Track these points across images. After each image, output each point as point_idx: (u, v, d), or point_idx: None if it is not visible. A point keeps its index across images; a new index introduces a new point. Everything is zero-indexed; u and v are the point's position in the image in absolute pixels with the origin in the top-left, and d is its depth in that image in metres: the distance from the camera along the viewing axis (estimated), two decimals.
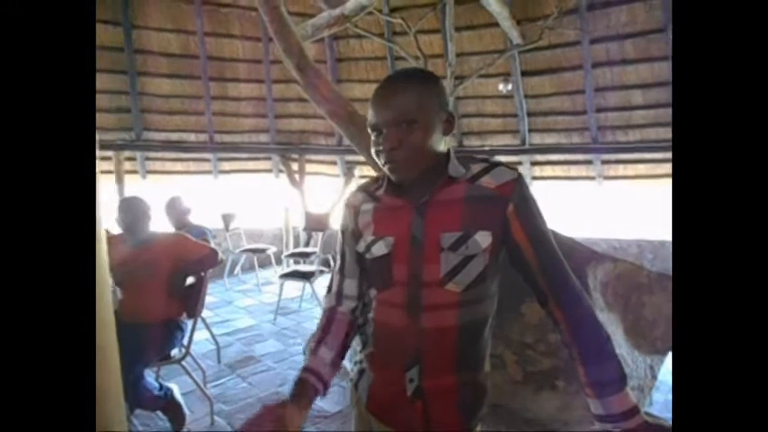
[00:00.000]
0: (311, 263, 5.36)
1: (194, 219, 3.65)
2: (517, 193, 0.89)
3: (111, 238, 2.31)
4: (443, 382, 0.92)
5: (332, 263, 5.15)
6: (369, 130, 0.92)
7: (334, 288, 1.05)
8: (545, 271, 0.90)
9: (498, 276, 0.95)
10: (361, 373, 1.02)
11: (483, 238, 0.88)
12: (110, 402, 1.05)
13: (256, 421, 0.86)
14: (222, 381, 3.02)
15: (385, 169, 0.92)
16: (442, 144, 0.92)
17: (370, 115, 0.91)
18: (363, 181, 1.06)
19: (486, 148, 6.76)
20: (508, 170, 0.91)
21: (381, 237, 0.94)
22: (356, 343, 1.06)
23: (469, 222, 0.88)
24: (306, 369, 0.97)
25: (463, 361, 0.92)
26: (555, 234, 2.09)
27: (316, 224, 5.77)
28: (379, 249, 0.94)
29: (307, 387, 0.94)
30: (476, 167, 0.92)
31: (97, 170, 1.25)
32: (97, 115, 1.12)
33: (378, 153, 0.91)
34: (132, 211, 2.36)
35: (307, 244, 6.70)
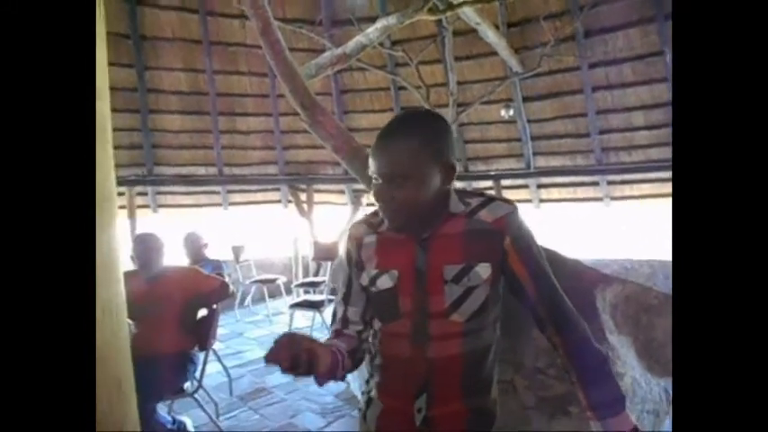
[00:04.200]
0: (321, 292, 5.37)
1: (209, 252, 3.72)
2: (513, 225, 0.93)
3: (126, 275, 2.36)
4: (451, 410, 0.94)
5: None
6: (370, 174, 0.93)
7: (339, 315, 1.06)
8: (542, 299, 0.94)
9: (499, 304, 0.98)
10: (368, 402, 1.04)
11: (483, 270, 0.91)
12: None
13: (287, 341, 0.80)
14: (234, 413, 3.01)
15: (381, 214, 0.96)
16: (443, 189, 0.92)
17: (370, 163, 0.92)
18: (366, 213, 1.08)
19: (492, 173, 6.83)
20: (504, 204, 0.95)
21: (386, 270, 0.96)
22: (365, 373, 1.08)
23: (470, 255, 0.91)
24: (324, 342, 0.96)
25: (469, 388, 0.94)
26: (562, 257, 2.11)
27: (325, 253, 5.80)
28: (384, 283, 0.96)
29: (327, 346, 0.91)
30: (473, 202, 0.96)
31: (116, 208, 1.32)
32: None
33: (375, 199, 0.93)
34: (146, 247, 2.42)
35: (316, 273, 6.71)
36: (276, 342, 0.79)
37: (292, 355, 0.78)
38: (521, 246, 0.93)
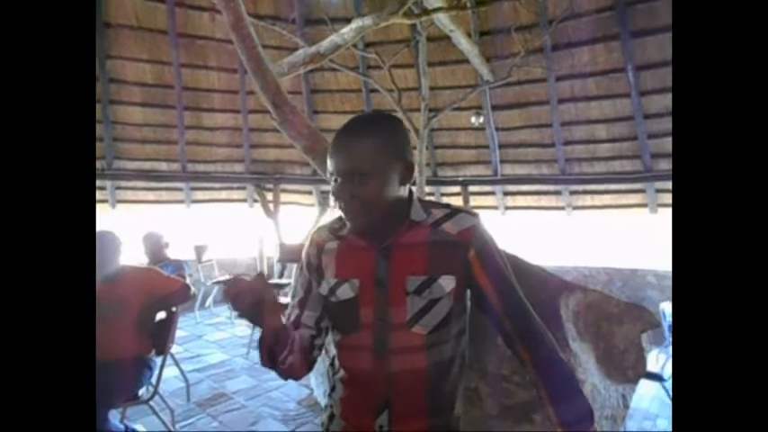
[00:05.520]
0: (285, 294, 5.28)
1: (170, 252, 3.58)
2: (477, 238, 0.92)
3: None
4: (413, 428, 0.91)
5: None
6: (328, 176, 0.92)
7: (293, 318, 1.02)
8: (508, 313, 0.93)
9: (464, 317, 0.97)
10: (331, 418, 1.01)
11: (447, 282, 0.90)
12: None
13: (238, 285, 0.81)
14: (191, 420, 2.90)
15: (342, 215, 0.94)
16: (402, 190, 0.93)
17: (328, 163, 0.91)
18: (330, 220, 1.06)
19: (461, 179, 6.92)
20: (468, 216, 0.94)
21: (346, 279, 0.94)
22: (326, 386, 1.05)
23: (433, 267, 0.90)
24: None
25: (432, 404, 0.92)
26: (526, 264, 2.14)
27: (290, 255, 5.71)
28: (345, 293, 0.94)
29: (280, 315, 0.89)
30: (437, 213, 0.95)
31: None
32: None
33: (335, 199, 0.92)
34: (103, 246, 2.29)
35: (281, 275, 6.60)
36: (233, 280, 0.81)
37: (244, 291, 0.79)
38: (485, 258, 0.92)
